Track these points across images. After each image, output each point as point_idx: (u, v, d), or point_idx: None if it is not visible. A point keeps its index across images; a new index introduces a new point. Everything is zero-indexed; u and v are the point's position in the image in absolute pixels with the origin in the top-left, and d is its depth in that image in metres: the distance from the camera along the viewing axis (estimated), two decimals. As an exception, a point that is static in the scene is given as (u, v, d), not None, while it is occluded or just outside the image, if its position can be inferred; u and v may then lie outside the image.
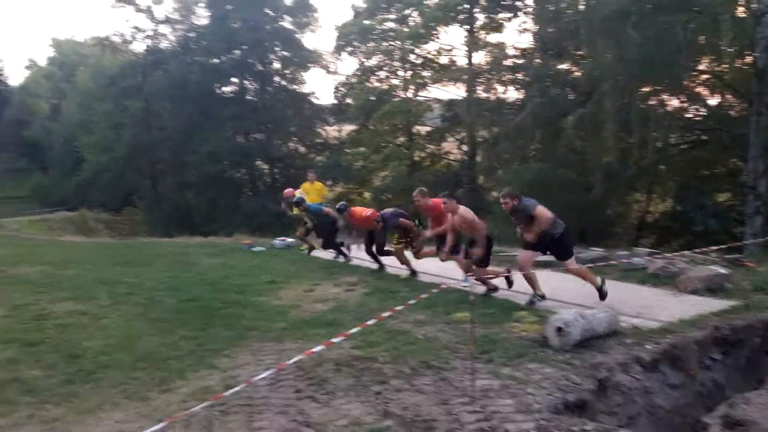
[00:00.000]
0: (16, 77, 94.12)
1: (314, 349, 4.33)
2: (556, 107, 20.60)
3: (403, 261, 8.69)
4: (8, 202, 40.89)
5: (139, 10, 40.94)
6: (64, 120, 52.42)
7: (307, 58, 40.08)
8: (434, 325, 5.86)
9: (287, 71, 41.21)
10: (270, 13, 39.48)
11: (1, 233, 14.87)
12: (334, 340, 4.49)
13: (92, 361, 4.98)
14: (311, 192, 11.75)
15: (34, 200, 49.68)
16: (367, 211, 9.08)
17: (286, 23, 40.44)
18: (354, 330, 4.64)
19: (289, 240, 12.25)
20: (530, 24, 27.11)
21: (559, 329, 5.00)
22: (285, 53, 40.24)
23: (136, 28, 41.40)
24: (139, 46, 42.66)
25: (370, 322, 4.73)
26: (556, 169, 19.92)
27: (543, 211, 6.29)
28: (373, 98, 31.36)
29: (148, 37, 41.68)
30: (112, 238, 15.85)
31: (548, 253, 6.71)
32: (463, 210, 7.05)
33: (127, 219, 25.97)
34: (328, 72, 40.58)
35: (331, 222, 9.73)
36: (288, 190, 10.88)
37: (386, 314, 4.91)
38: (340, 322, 6.00)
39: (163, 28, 41.77)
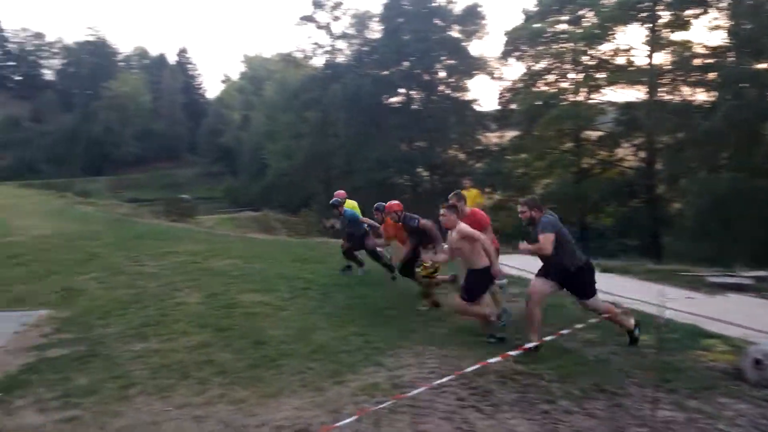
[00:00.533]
0: (213, 91, 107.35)
1: (489, 360, 4.31)
2: (754, 110, 18.67)
3: (428, 295, 7.14)
4: (204, 202, 46.58)
5: (319, 27, 44.67)
6: (253, 129, 58.66)
7: (472, 66, 40.23)
8: (607, 346, 5.49)
9: (452, 79, 41.75)
10: (439, 23, 40.36)
11: (199, 230, 16.85)
12: (511, 353, 4.44)
13: (275, 348, 5.42)
14: (466, 199, 11.57)
15: (225, 201, 55.99)
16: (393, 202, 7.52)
17: (454, 32, 40.97)
18: (531, 344, 4.56)
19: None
20: (723, 20, 24.59)
21: (758, 361, 4.49)
22: (451, 62, 40.79)
23: (316, 44, 45.20)
24: (319, 61, 46.46)
25: (547, 338, 4.61)
26: (752, 179, 18.11)
27: (546, 241, 5.15)
28: (539, 103, 30.44)
29: (326, 52, 45.25)
30: (290, 237, 17.20)
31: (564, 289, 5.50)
32: (462, 228, 5.69)
33: (303, 220, 28.05)
34: (492, 78, 40.33)
35: (363, 234, 8.83)
36: (339, 192, 9.37)
37: (565, 331, 4.75)
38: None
39: (340, 44, 44.96)
